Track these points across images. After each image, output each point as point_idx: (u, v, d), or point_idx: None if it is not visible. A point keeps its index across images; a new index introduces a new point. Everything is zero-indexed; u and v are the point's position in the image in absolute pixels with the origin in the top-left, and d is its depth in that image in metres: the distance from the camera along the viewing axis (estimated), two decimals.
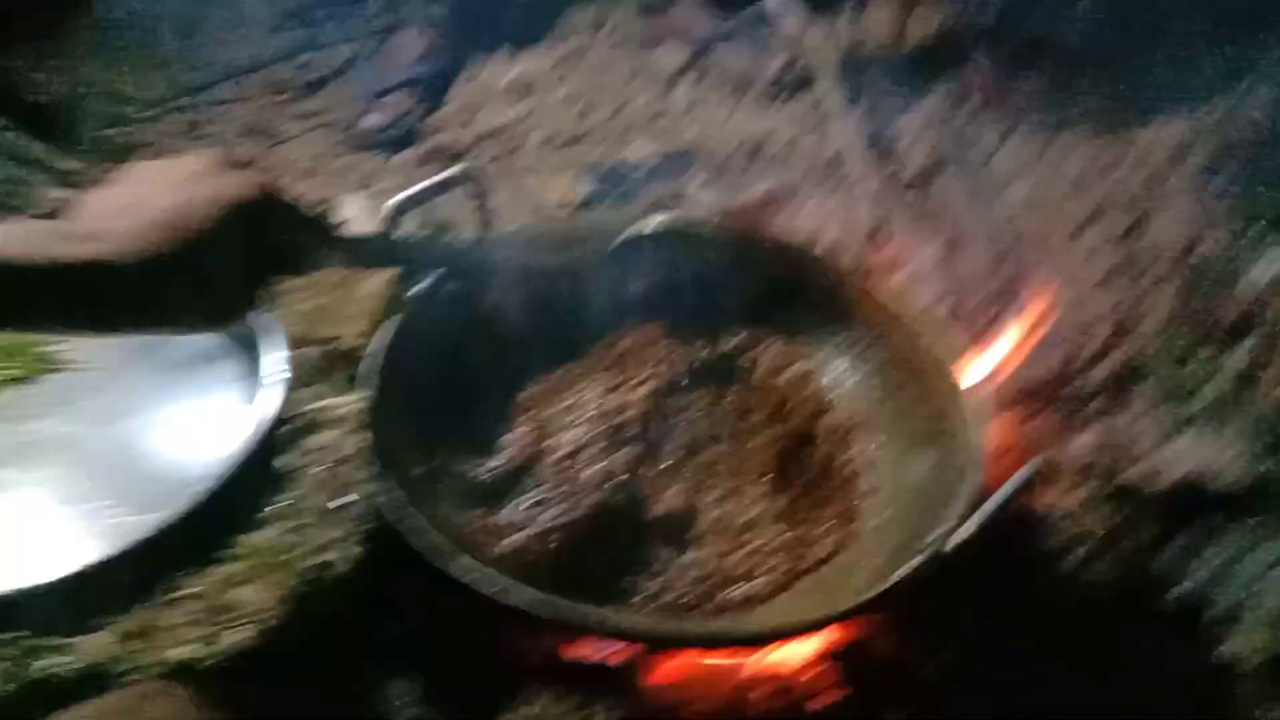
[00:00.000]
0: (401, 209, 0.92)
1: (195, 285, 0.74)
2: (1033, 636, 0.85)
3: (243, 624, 0.82)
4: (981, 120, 1.56)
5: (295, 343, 1.07)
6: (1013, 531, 0.88)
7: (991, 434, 0.89)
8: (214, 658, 0.80)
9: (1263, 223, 1.36)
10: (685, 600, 0.86)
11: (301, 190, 1.40)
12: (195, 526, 0.85)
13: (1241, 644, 0.95)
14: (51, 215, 1.26)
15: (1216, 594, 0.98)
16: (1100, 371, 1.20)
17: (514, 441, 0.96)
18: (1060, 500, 0.93)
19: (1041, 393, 1.15)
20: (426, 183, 0.92)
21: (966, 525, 0.77)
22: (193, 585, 0.83)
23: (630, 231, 1.03)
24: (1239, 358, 1.22)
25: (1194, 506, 1.03)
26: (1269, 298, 1.32)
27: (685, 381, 1.01)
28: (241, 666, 0.79)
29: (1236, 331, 1.25)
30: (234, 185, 0.76)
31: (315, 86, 1.71)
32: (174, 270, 0.71)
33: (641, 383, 0.99)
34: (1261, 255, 1.35)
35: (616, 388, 0.99)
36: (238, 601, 0.83)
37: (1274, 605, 0.98)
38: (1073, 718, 0.87)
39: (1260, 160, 1.42)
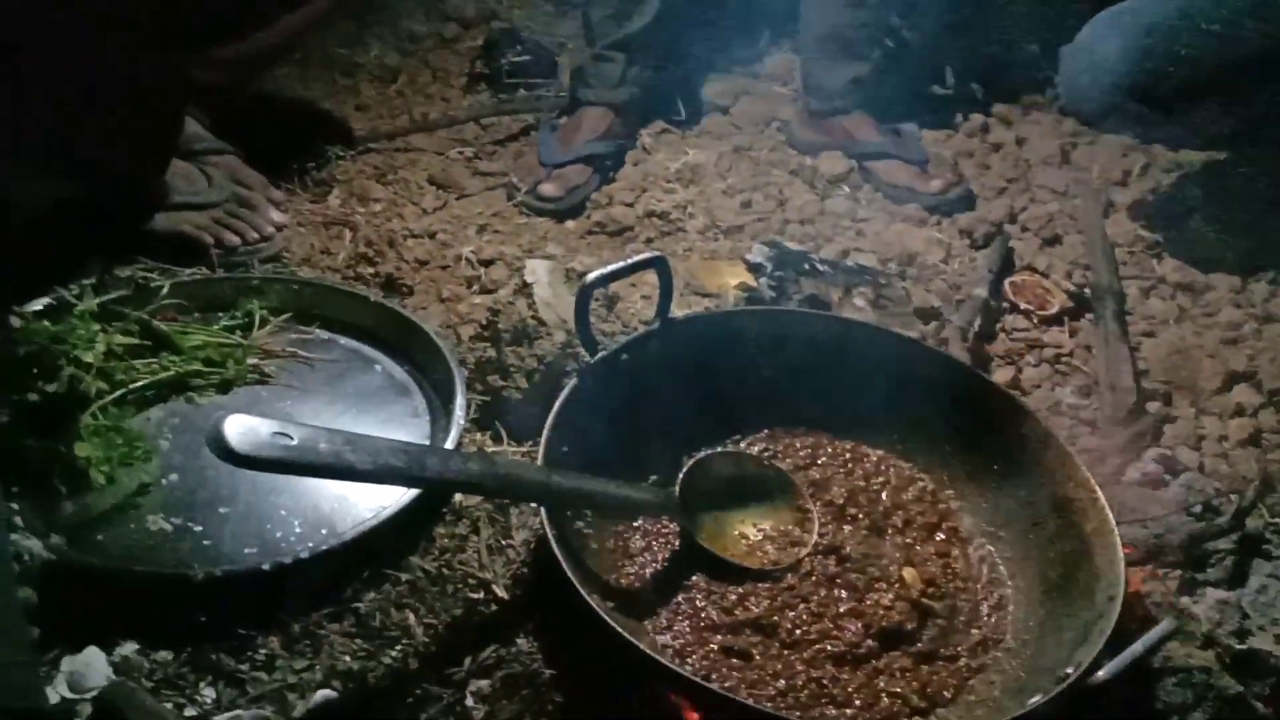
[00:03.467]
0: (597, 284, 0.99)
1: None
2: None
3: (400, 644, 0.89)
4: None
5: (469, 385, 1.16)
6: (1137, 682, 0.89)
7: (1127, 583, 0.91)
8: (369, 672, 0.87)
9: None
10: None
11: (476, 244, 1.54)
12: (367, 547, 0.93)
13: None
14: (264, 239, 1.42)
15: None
16: (1230, 538, 1.20)
17: None
18: (1186, 658, 0.94)
19: (1170, 549, 1.16)
20: (623, 264, 0.99)
21: (1114, 664, 0.80)
22: (358, 602, 0.91)
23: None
24: None
25: None
26: None
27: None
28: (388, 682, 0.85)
29: None
30: None
31: (499, 149, 1.82)
32: None
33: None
34: None
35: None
36: (398, 622, 0.91)
37: None
38: None
39: None
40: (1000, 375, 1.42)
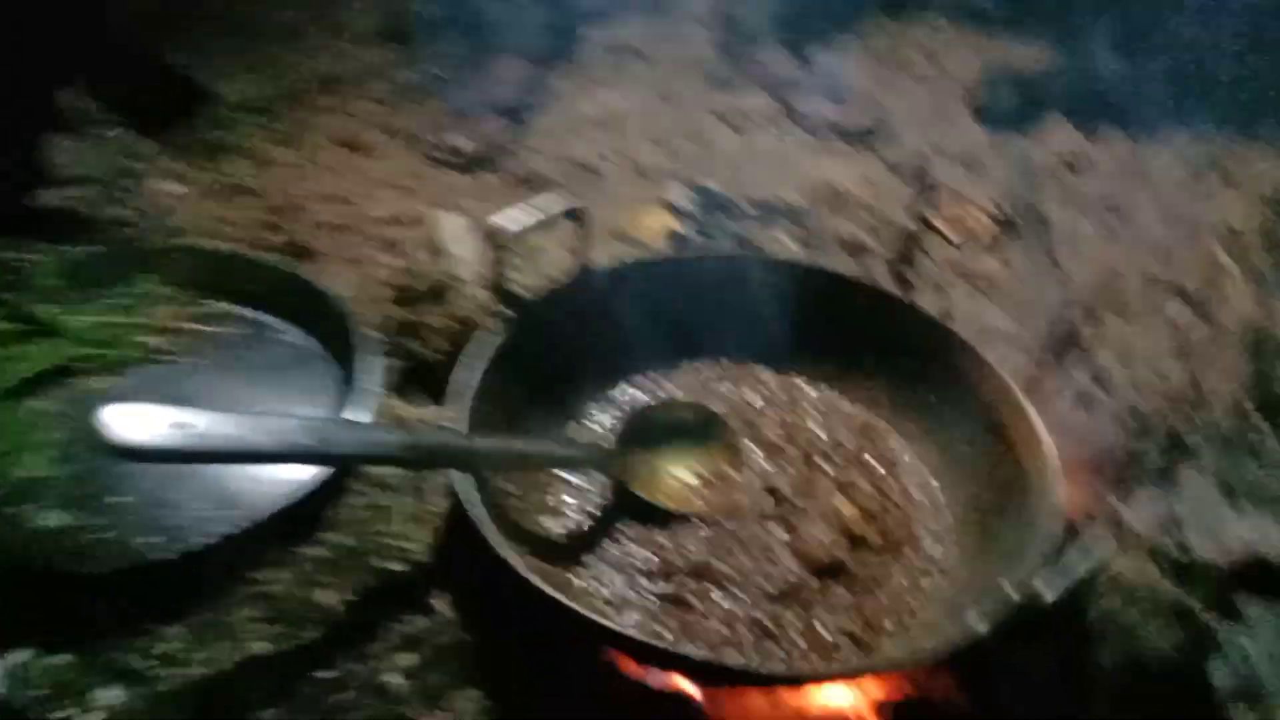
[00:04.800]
0: (514, 237, 0.94)
1: None
2: (1089, 700, 0.86)
3: (316, 624, 0.84)
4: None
5: (386, 353, 1.11)
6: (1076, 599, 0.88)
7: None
8: (283, 656, 0.82)
9: None
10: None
11: (388, 203, 1.47)
12: (280, 528, 0.88)
13: None
14: (158, 210, 1.34)
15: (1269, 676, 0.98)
16: (1161, 447, 1.20)
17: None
18: (1126, 569, 0.93)
19: (1103, 463, 1.16)
20: (539, 215, 0.95)
21: (1056, 582, 0.78)
22: (269, 584, 0.87)
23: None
24: None
25: (1262, 583, 1.03)
26: None
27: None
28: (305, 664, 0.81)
29: None
30: None
31: (408, 103, 1.75)
32: None
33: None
34: None
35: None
36: (313, 601, 0.86)
37: None
38: None
39: None
40: (930, 304, 1.40)
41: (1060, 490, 0.88)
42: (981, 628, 0.79)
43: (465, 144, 1.63)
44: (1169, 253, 1.49)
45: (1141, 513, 1.12)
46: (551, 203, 0.97)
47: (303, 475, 0.90)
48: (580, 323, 1.02)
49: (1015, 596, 0.80)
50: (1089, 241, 1.50)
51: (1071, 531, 0.94)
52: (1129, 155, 1.62)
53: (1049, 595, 0.80)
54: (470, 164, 1.62)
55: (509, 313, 0.97)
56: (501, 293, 0.96)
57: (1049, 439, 0.92)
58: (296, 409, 1.02)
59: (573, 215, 0.99)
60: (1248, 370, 1.32)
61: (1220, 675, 0.95)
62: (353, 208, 1.48)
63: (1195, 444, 1.22)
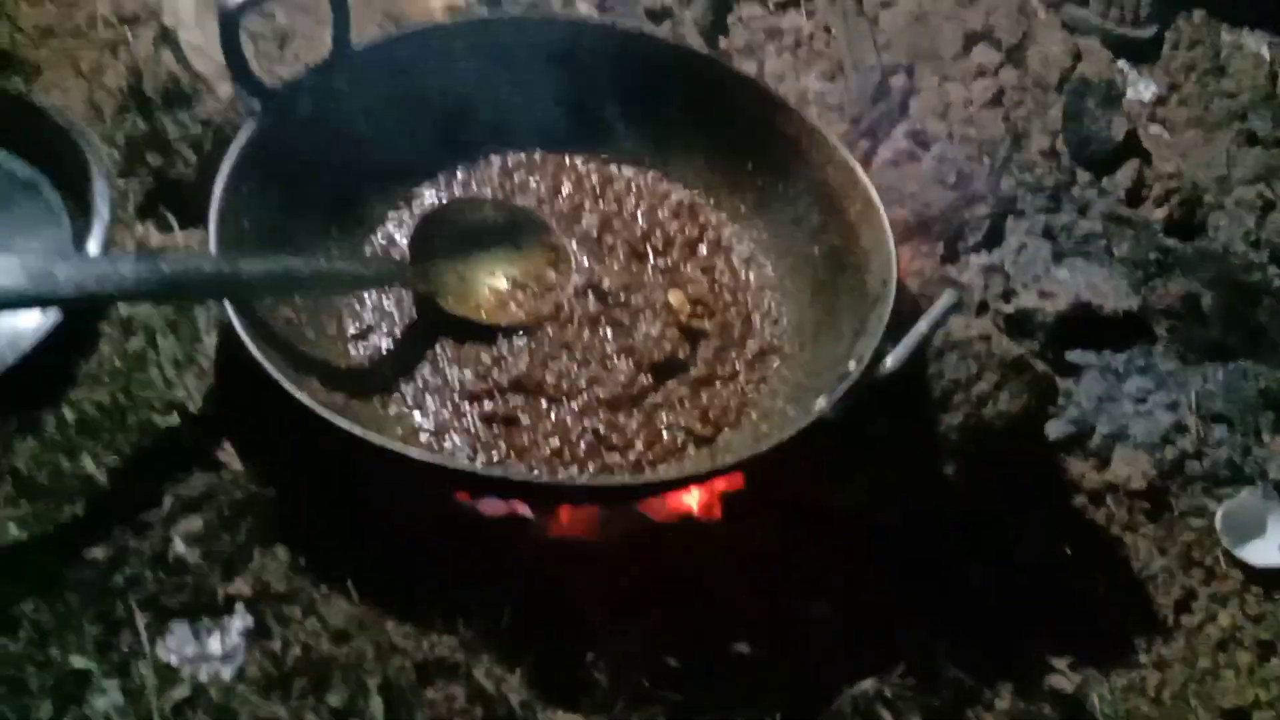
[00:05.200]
0: (240, 13, 0.78)
1: None
2: (938, 467, 0.84)
3: (74, 496, 0.72)
4: None
5: (122, 171, 0.94)
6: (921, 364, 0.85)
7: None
8: (42, 539, 0.70)
9: None
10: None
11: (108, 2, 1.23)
12: (11, 388, 0.74)
13: (1122, 468, 0.98)
14: None
15: (1099, 422, 1.01)
16: (984, 203, 1.18)
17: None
18: (962, 330, 0.91)
19: (930, 224, 1.13)
20: None
21: (898, 350, 0.74)
22: (12, 457, 0.73)
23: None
24: (1117, 185, 1.23)
25: (1087, 331, 1.04)
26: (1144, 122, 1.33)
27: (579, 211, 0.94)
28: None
29: (1116, 159, 1.25)
30: None
31: None
32: None
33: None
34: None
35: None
36: (70, 471, 0.73)
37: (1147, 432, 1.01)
38: (971, 539, 0.88)
39: None
40: (742, 69, 1.31)
41: (894, 255, 0.83)
42: (824, 408, 0.75)
43: None
44: None
45: (971, 271, 1.10)
46: None
47: (27, 325, 0.74)
48: (349, 114, 0.87)
49: (854, 371, 0.76)
50: None
51: (906, 298, 0.90)
52: None
53: (889, 364, 0.76)
54: None
55: (255, 107, 0.81)
56: (242, 83, 0.80)
57: (878, 201, 0.86)
58: (22, 248, 0.85)
59: None
60: (1059, 114, 1.31)
61: (1054, 426, 0.97)
62: (67, 6, 1.23)
63: (1016, 195, 1.21)
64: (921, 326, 0.75)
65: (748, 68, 1.31)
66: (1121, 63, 1.40)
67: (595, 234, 0.94)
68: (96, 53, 1.17)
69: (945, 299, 0.76)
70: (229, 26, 0.78)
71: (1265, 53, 1.43)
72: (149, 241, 0.86)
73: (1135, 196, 1.23)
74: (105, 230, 0.81)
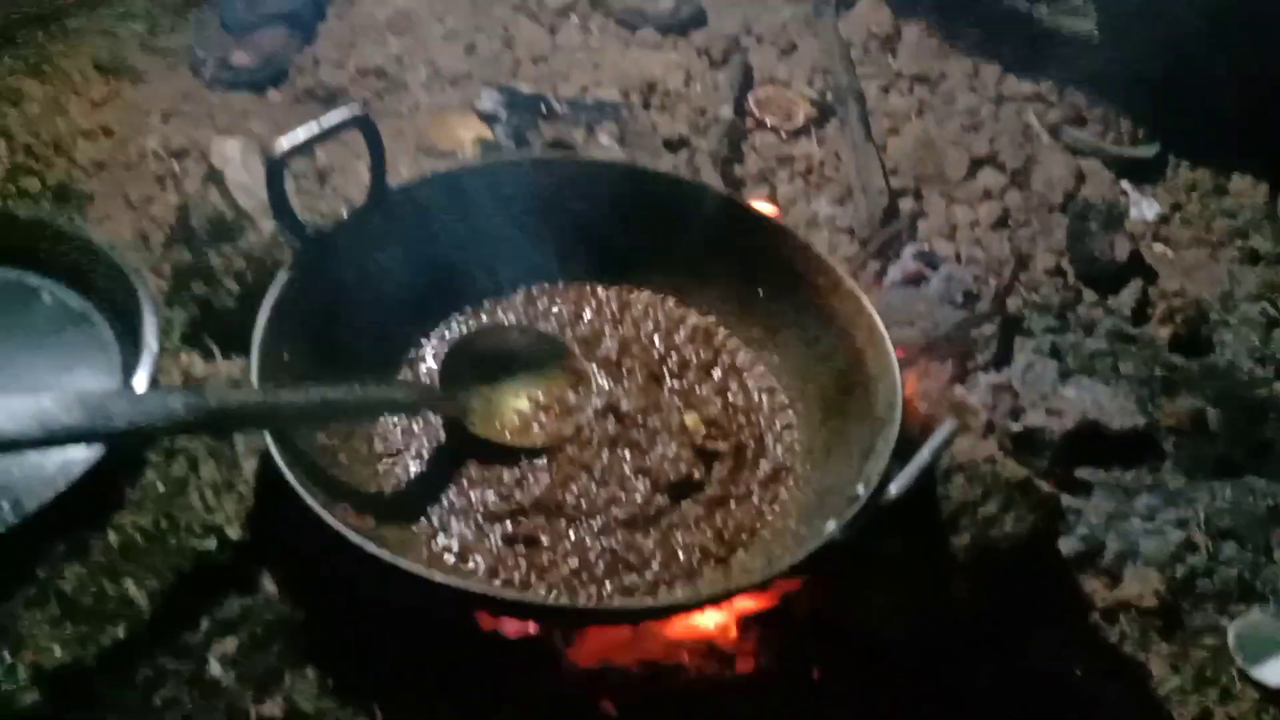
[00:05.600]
0: (285, 159, 0.84)
1: None
2: (947, 586, 0.86)
3: (117, 619, 0.75)
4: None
5: (168, 299, 0.99)
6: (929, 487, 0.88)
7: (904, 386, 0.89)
8: (85, 660, 0.73)
9: None
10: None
11: (162, 134, 1.32)
12: (61, 513, 0.78)
13: (1133, 586, 0.99)
14: None
15: (1109, 539, 1.03)
16: (992, 322, 1.22)
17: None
18: (970, 451, 0.94)
19: (939, 344, 1.16)
20: (314, 128, 0.84)
21: (901, 478, 0.77)
22: (59, 580, 0.76)
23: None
24: (1122, 304, 1.27)
25: (1095, 449, 1.06)
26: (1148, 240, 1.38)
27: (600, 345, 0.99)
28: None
29: (1120, 278, 1.29)
30: None
31: (175, 17, 1.56)
32: None
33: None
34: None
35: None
36: (113, 594, 0.76)
37: (1158, 550, 1.03)
38: (983, 656, 0.89)
39: None
40: (755, 195, 1.37)
41: (899, 380, 0.86)
42: (834, 531, 0.77)
43: (244, 60, 1.47)
44: (981, 124, 1.50)
45: (980, 390, 1.14)
46: (330, 116, 0.86)
47: (80, 454, 0.79)
48: (384, 251, 0.93)
49: (863, 495, 0.78)
50: (904, 117, 1.49)
51: (915, 419, 0.93)
52: (938, 30, 1.61)
53: (893, 491, 0.79)
54: (252, 82, 1.46)
55: (296, 244, 0.87)
56: (284, 224, 0.86)
57: (883, 328, 0.90)
58: (73, 378, 0.90)
59: (358, 125, 0.88)
60: (1064, 234, 1.36)
61: (1067, 545, 0.98)
62: (120, 142, 1.32)
63: (1023, 315, 1.25)
64: (924, 455, 0.78)
65: (761, 193, 1.37)
66: (1124, 183, 1.45)
67: (614, 357, 0.98)
68: (146, 185, 1.25)
69: (945, 429, 0.79)
70: (274, 172, 0.84)
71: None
72: (193, 370, 0.91)
73: (1141, 314, 1.27)
74: (154, 361, 0.86)
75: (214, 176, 1.04)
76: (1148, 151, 1.46)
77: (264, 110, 1.41)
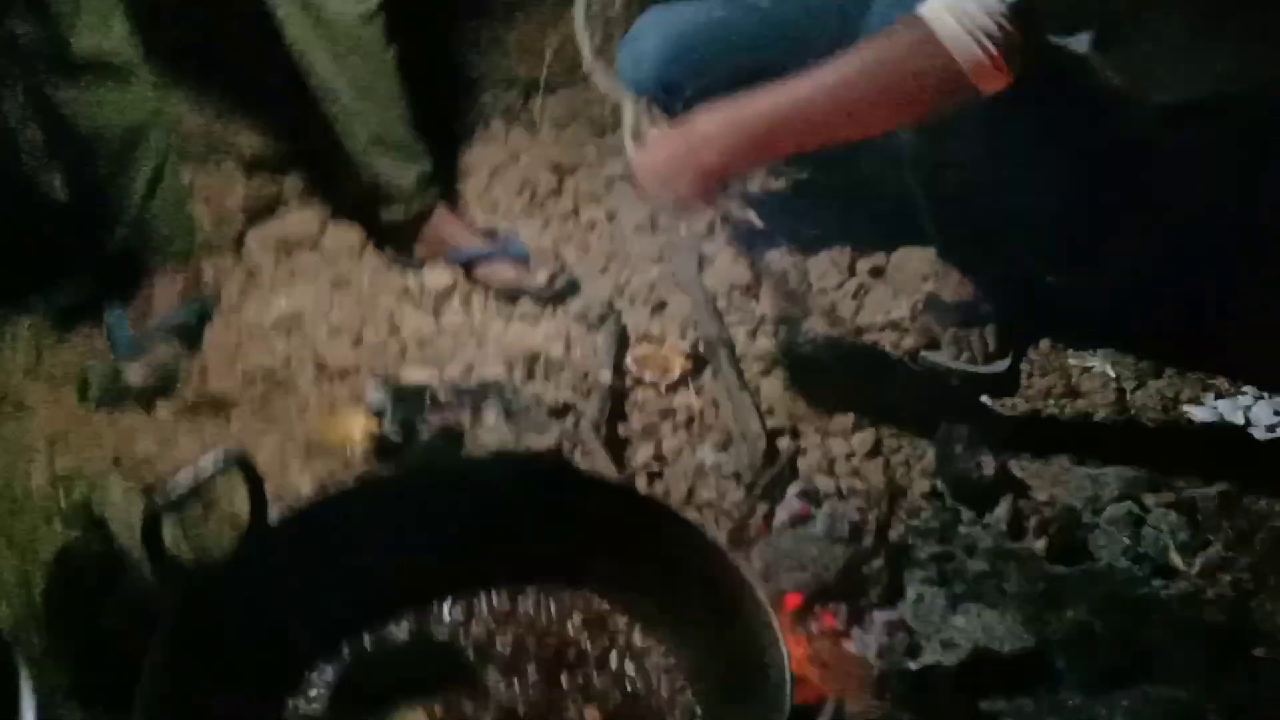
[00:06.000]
0: (163, 511, 0.86)
1: None
2: None
3: None
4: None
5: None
6: None
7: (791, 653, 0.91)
8: None
9: None
10: None
11: (47, 464, 1.32)
12: None
13: None
14: None
15: None
16: (879, 556, 1.26)
17: None
18: (864, 700, 0.96)
19: (831, 585, 1.20)
20: (190, 477, 0.86)
21: None
22: None
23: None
24: (998, 520, 1.32)
25: (992, 677, 1.09)
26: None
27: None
28: None
29: (992, 494, 1.35)
30: None
31: (62, 342, 1.59)
32: None
33: None
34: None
35: None
36: None
37: None
38: None
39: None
40: (642, 452, 1.42)
41: (784, 653, 0.88)
42: None
43: (136, 376, 1.50)
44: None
45: (875, 630, 1.16)
46: (206, 460, 0.89)
47: None
48: (267, 584, 0.94)
49: None
50: (773, 358, 1.58)
51: (810, 688, 0.95)
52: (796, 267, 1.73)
53: None
54: (142, 397, 1.49)
55: (175, 589, 0.88)
56: (161, 570, 0.87)
57: (767, 603, 0.93)
58: None
59: (236, 464, 0.91)
60: (933, 455, 1.43)
61: None
62: (6, 475, 1.32)
63: (908, 543, 1.30)
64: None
65: (646, 450, 1.43)
66: (985, 398, 1.55)
67: (509, 657, 0.99)
68: (31, 522, 1.24)
69: (828, 708, 0.81)
70: (151, 524, 0.86)
71: (1110, 370, 1.59)
72: None
73: (1017, 528, 1.32)
74: None
75: (96, 523, 1.05)
76: (1000, 366, 1.57)
77: (152, 428, 1.43)
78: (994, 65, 1.06)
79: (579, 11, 1.63)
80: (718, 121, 1.20)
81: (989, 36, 1.05)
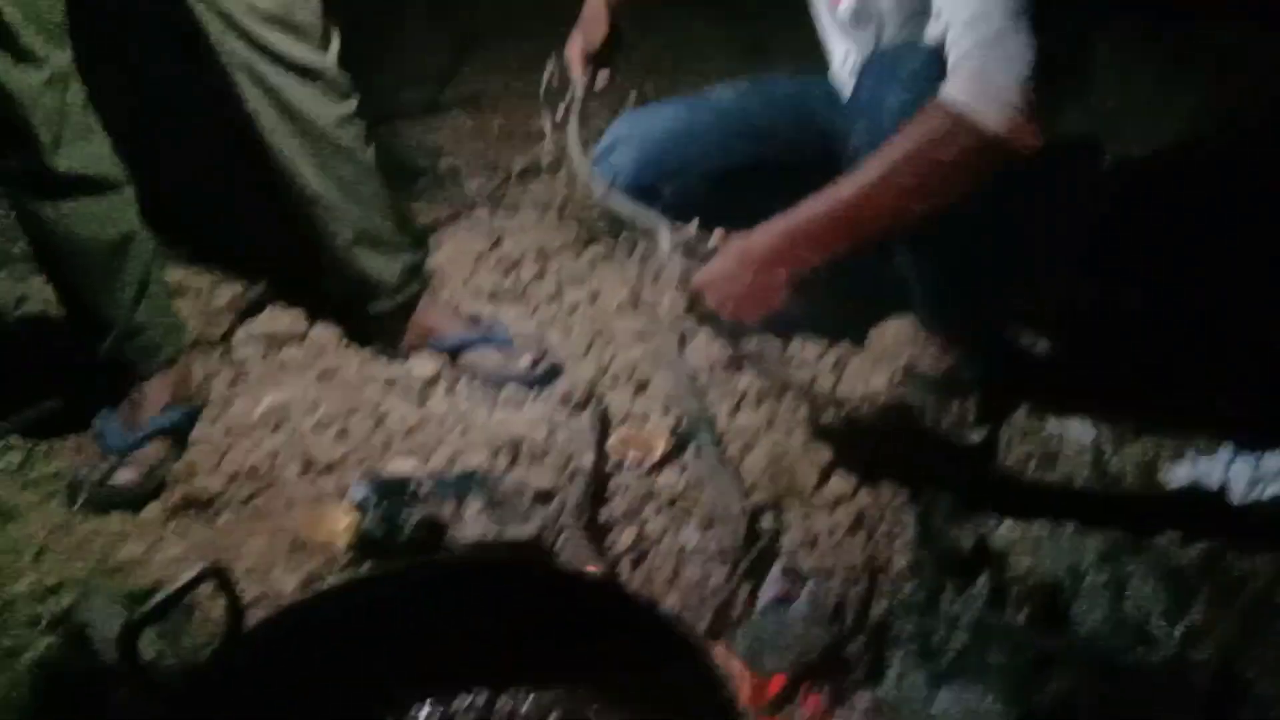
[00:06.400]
0: (139, 628, 0.87)
1: None
2: None
3: None
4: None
5: None
6: None
7: None
8: None
9: None
10: None
11: (35, 574, 1.33)
12: None
13: None
14: None
15: None
16: (860, 637, 1.26)
17: None
18: None
19: (814, 666, 1.20)
20: (168, 592, 0.88)
21: None
22: None
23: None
24: (980, 592, 1.33)
25: None
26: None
27: None
28: None
29: (973, 566, 1.36)
30: None
31: (53, 446, 1.62)
32: None
33: None
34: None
35: None
36: None
37: None
38: None
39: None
40: (625, 536, 1.43)
41: None
42: None
43: (127, 477, 1.52)
44: (826, 431, 1.61)
45: (858, 708, 1.16)
46: (184, 576, 0.90)
47: None
48: (246, 692, 0.95)
49: None
50: (754, 433, 1.59)
51: None
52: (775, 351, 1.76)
53: None
54: (131, 500, 1.50)
55: (153, 702, 0.89)
56: (138, 688, 0.88)
57: (734, 690, 0.93)
58: None
59: (212, 577, 0.92)
60: (916, 529, 1.43)
61: None
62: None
63: (890, 620, 1.30)
64: None
65: (630, 534, 1.44)
66: (964, 467, 1.55)
67: None
68: (18, 632, 1.25)
69: None
70: (127, 641, 0.87)
71: (1088, 435, 1.60)
72: None
73: (999, 599, 1.32)
74: None
75: (77, 635, 1.06)
76: (977, 436, 1.58)
77: (138, 532, 1.44)
78: (1028, 127, 1.14)
79: (573, 137, 1.67)
80: (777, 232, 1.29)
81: (1013, 105, 1.14)
